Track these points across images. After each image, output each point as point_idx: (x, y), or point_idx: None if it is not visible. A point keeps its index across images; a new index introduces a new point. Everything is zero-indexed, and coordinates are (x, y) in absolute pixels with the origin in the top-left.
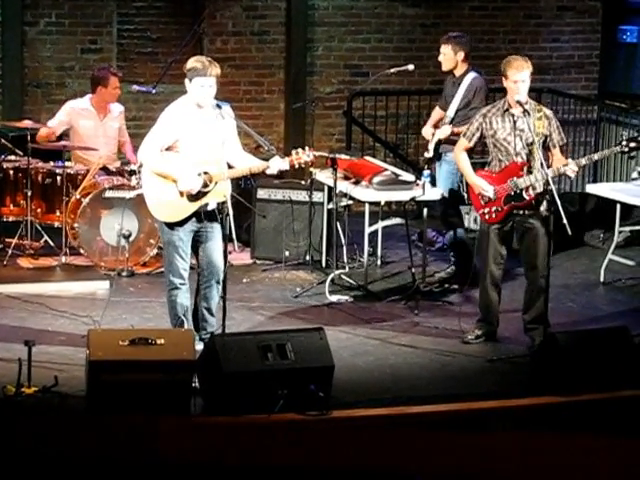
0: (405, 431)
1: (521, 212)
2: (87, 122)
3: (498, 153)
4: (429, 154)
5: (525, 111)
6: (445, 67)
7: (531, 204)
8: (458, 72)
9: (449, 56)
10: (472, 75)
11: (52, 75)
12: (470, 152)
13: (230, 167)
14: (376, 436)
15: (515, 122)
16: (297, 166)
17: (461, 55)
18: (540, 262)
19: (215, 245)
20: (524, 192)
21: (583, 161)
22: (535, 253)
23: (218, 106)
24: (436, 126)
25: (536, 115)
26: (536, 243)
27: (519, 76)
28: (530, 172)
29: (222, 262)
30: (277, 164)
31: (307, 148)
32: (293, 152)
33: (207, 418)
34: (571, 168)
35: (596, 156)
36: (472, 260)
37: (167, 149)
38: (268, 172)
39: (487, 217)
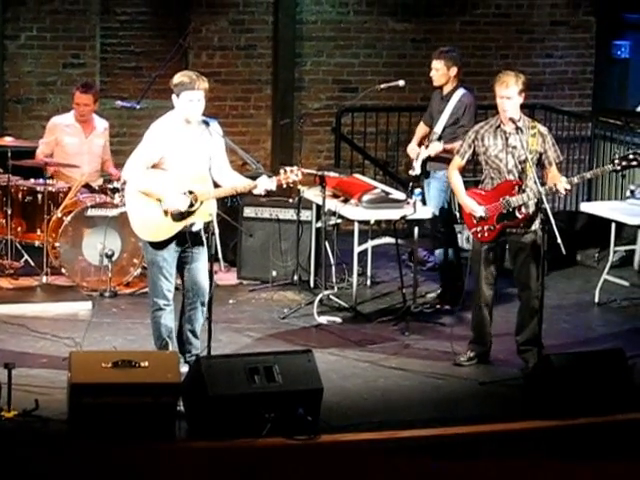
0: (395, 456)
1: (514, 231)
2: (72, 139)
3: (490, 170)
4: (415, 172)
5: (517, 128)
6: (437, 82)
7: (524, 223)
8: (448, 88)
9: (442, 72)
10: (461, 92)
11: (33, 90)
12: (462, 170)
13: (216, 186)
14: (365, 461)
15: (507, 139)
16: (285, 186)
17: (454, 70)
18: (533, 282)
19: (200, 266)
20: (516, 211)
21: (575, 179)
22: (528, 273)
23: (206, 123)
24: (421, 143)
25: (530, 132)
26: (529, 263)
27: (504, 92)
28: (523, 190)
29: (207, 283)
30: (264, 184)
31: (295, 167)
32: (281, 171)
33: (192, 442)
34: (563, 186)
35: (588, 175)
36: (462, 280)
37: (153, 167)
38: (255, 192)
39: (479, 236)
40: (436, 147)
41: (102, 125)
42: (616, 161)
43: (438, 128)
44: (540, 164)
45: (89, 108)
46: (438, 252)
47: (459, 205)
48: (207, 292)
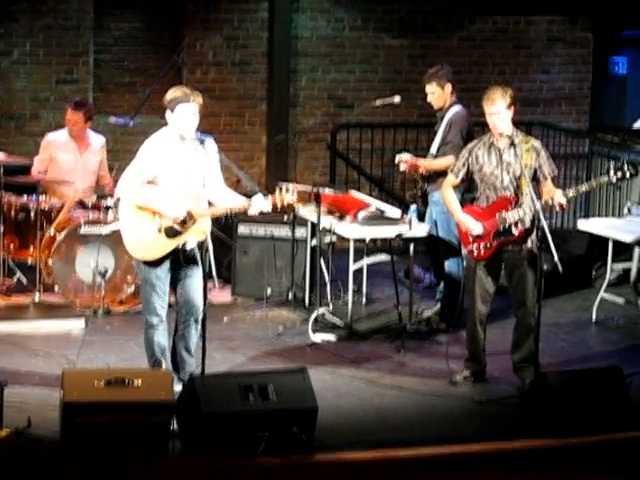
0: (391, 475)
1: (510, 248)
2: (66, 155)
3: (485, 188)
4: (421, 189)
5: (512, 143)
6: (437, 105)
7: (520, 239)
8: (446, 106)
9: (438, 93)
10: (455, 109)
11: (26, 107)
12: (456, 189)
13: (210, 204)
14: None
15: (501, 155)
16: (280, 206)
17: (449, 87)
18: (529, 299)
19: (194, 283)
20: (513, 227)
21: (571, 192)
22: (524, 290)
23: (201, 140)
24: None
25: (524, 147)
26: (525, 280)
27: (491, 108)
28: (519, 206)
29: (201, 301)
30: (259, 204)
31: (291, 188)
32: (277, 191)
33: (186, 461)
34: (557, 200)
35: (584, 187)
36: (461, 299)
37: (146, 184)
38: (249, 212)
39: (475, 254)
40: (403, 156)
41: (99, 142)
42: (611, 172)
43: (433, 148)
44: (535, 179)
45: (79, 126)
46: (447, 267)
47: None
48: (201, 310)
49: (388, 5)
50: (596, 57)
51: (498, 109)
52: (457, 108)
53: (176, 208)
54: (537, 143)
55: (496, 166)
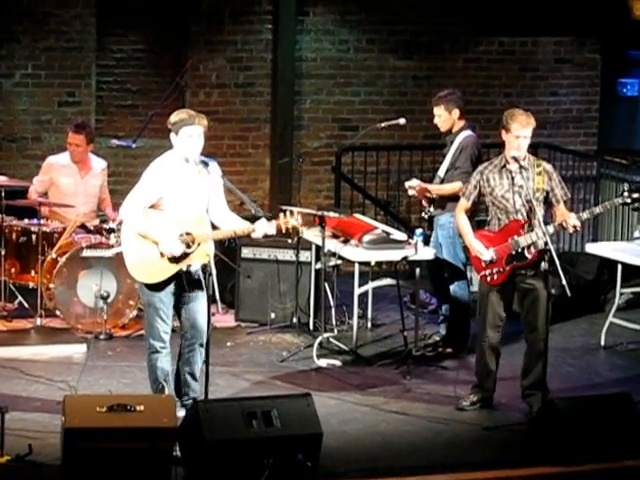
0: None
1: (522, 272)
2: (67, 179)
3: (497, 211)
4: (429, 213)
5: (523, 167)
6: (443, 128)
7: (533, 263)
8: (455, 129)
9: (444, 117)
10: (465, 133)
11: (28, 129)
12: (468, 212)
13: (214, 227)
14: None
15: (513, 178)
16: (284, 230)
17: (456, 113)
18: (541, 324)
19: (199, 307)
20: (526, 251)
21: (584, 215)
22: (536, 314)
23: (205, 163)
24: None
25: (535, 170)
26: (537, 304)
27: (523, 132)
28: (531, 229)
29: (206, 325)
30: (263, 228)
31: (295, 211)
32: (280, 215)
33: None
34: (572, 223)
35: (597, 209)
36: (469, 325)
37: (150, 207)
38: (253, 235)
39: (489, 279)
40: (412, 183)
41: (100, 166)
42: (625, 193)
43: (441, 171)
44: (547, 202)
45: (80, 149)
46: (454, 292)
47: (466, 247)
48: (205, 334)
49: (393, 26)
50: (604, 79)
51: (528, 133)
52: (467, 133)
53: (173, 245)
54: (549, 166)
55: (508, 189)
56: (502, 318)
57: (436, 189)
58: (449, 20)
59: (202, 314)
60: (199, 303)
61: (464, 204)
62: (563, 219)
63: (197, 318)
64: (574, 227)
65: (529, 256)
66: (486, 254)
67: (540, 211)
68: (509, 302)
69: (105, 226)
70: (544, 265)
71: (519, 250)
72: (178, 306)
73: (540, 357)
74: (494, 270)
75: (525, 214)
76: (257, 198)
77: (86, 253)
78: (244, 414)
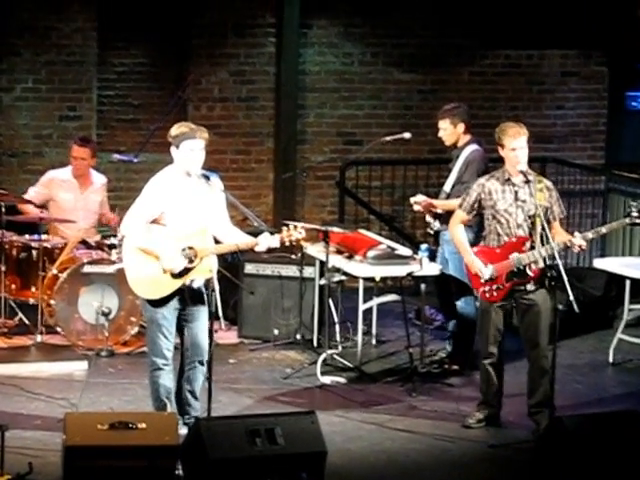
0: None
1: (522, 288)
2: (67, 195)
3: (497, 225)
4: (434, 228)
5: (527, 181)
6: (447, 142)
7: (534, 280)
8: (460, 143)
9: (449, 130)
10: (471, 148)
11: (28, 144)
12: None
13: (217, 242)
14: None
15: (517, 192)
16: (288, 244)
17: (461, 127)
18: (542, 340)
19: (200, 325)
20: (527, 268)
21: (590, 235)
22: (536, 331)
23: (206, 177)
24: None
25: (537, 186)
26: (538, 320)
27: (516, 143)
28: (533, 247)
29: (207, 343)
30: (266, 242)
31: (299, 224)
32: (284, 229)
33: None
34: (578, 242)
35: (604, 229)
36: (472, 341)
37: (152, 221)
38: (257, 249)
39: (488, 295)
40: (418, 198)
41: (100, 181)
42: (633, 214)
43: (447, 186)
44: (545, 219)
45: (85, 162)
46: (460, 307)
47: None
48: (207, 351)
49: (398, 39)
50: (612, 92)
51: (523, 143)
52: (474, 147)
53: (173, 262)
54: (549, 183)
55: (510, 204)
56: (502, 334)
57: (442, 204)
58: (454, 33)
59: (203, 332)
60: (200, 321)
61: (462, 216)
62: (561, 237)
63: (198, 336)
64: (579, 247)
65: (531, 273)
66: (486, 273)
67: (545, 227)
68: (509, 318)
69: (106, 242)
70: (548, 280)
71: (520, 267)
72: (180, 323)
73: (544, 374)
74: (494, 287)
75: (527, 230)
76: (260, 213)
77: (87, 269)
78: (247, 432)
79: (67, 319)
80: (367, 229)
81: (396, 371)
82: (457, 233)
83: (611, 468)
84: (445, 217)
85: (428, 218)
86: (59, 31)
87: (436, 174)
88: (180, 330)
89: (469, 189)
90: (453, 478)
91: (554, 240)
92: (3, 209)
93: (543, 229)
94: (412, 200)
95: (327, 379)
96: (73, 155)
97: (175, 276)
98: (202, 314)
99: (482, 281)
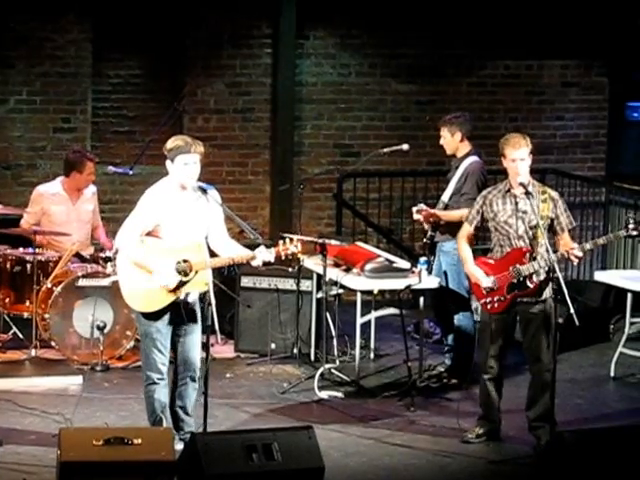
0: None
1: (524, 300)
2: (59, 207)
3: (500, 237)
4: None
5: (528, 192)
6: (448, 151)
7: (535, 292)
8: (459, 154)
9: (448, 139)
10: (470, 159)
11: (23, 156)
12: (471, 237)
13: (214, 254)
14: None
15: (517, 204)
16: (284, 257)
17: (458, 136)
18: (544, 355)
19: (194, 340)
20: (527, 280)
21: (587, 246)
22: (539, 344)
23: (203, 189)
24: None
25: (540, 197)
26: (540, 334)
27: (517, 154)
28: (534, 258)
29: (199, 359)
30: (263, 255)
31: (295, 237)
32: (280, 242)
33: None
34: (575, 253)
35: (601, 240)
36: (472, 354)
37: (147, 234)
38: (253, 263)
39: (489, 307)
40: (419, 207)
41: (90, 190)
42: (630, 226)
43: (445, 196)
44: (552, 230)
45: (94, 177)
46: (458, 320)
47: (467, 275)
48: (198, 367)
49: (395, 50)
50: (612, 103)
51: (524, 154)
52: (473, 158)
53: (167, 278)
54: (555, 194)
55: (511, 215)
56: (503, 347)
57: (444, 215)
58: (452, 43)
59: (196, 347)
60: (195, 336)
61: (467, 229)
62: (566, 249)
63: (190, 351)
64: (577, 257)
65: (531, 285)
66: (485, 282)
67: (545, 239)
68: (510, 331)
69: (101, 255)
70: (549, 293)
71: (521, 279)
72: (174, 338)
73: (546, 388)
74: (495, 298)
75: (528, 241)
76: (257, 226)
77: (82, 282)
78: (244, 447)
79: (62, 333)
80: (365, 242)
81: (395, 385)
82: (462, 246)
83: None
84: (444, 228)
85: (426, 227)
86: (53, 42)
87: (434, 186)
88: (174, 345)
89: (467, 203)
90: None
91: (558, 251)
92: None
93: (545, 240)
94: (414, 209)
95: (325, 394)
96: (90, 172)
97: (170, 290)
98: (195, 328)
99: (484, 292)
